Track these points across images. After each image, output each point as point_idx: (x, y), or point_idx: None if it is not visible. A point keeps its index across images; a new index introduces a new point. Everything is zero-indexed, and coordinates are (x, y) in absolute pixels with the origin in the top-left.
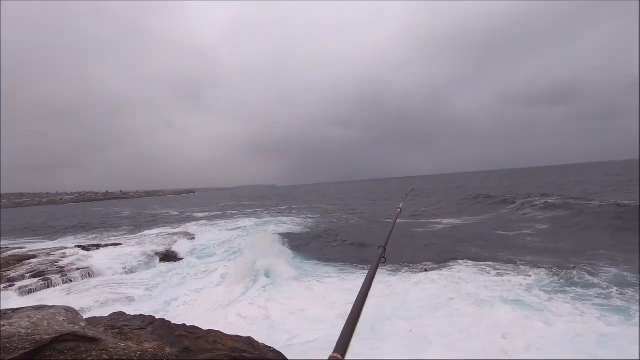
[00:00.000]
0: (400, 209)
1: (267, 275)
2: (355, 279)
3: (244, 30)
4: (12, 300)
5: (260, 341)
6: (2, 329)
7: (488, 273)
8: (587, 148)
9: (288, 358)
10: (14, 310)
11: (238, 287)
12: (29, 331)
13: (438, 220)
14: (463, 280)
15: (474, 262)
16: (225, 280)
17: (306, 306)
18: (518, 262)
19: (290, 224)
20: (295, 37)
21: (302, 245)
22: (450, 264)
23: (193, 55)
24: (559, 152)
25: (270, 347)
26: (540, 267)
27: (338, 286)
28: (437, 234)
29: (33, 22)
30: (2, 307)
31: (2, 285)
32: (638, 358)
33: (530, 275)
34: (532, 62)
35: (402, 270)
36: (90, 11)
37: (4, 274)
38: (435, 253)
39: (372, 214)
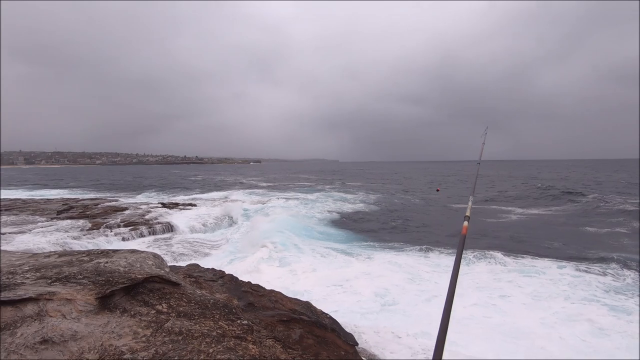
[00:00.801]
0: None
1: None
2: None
3: (317, 3)
4: (111, 243)
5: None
6: (105, 265)
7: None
8: None
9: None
10: (114, 251)
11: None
12: (126, 269)
13: (511, 209)
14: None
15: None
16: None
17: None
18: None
19: (352, 202)
20: (368, 7)
21: (360, 223)
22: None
23: (266, 29)
24: None
25: (327, 314)
26: None
27: (390, 266)
28: (514, 224)
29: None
30: (104, 247)
31: (102, 230)
32: (638, 358)
33: None
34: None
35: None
36: None
37: (103, 220)
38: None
39: (436, 199)
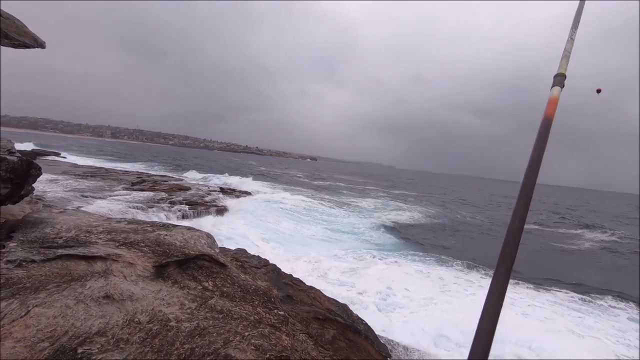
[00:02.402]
0: None
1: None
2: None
3: (386, 5)
4: (170, 219)
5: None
6: (165, 237)
7: None
8: None
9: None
10: (174, 226)
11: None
12: (182, 244)
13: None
14: None
15: None
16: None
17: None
18: None
19: (409, 213)
20: (441, 11)
21: (413, 234)
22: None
23: (335, 29)
24: None
25: (363, 320)
26: None
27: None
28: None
29: None
30: (167, 222)
31: (166, 205)
32: (638, 358)
33: None
34: None
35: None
36: None
37: (169, 197)
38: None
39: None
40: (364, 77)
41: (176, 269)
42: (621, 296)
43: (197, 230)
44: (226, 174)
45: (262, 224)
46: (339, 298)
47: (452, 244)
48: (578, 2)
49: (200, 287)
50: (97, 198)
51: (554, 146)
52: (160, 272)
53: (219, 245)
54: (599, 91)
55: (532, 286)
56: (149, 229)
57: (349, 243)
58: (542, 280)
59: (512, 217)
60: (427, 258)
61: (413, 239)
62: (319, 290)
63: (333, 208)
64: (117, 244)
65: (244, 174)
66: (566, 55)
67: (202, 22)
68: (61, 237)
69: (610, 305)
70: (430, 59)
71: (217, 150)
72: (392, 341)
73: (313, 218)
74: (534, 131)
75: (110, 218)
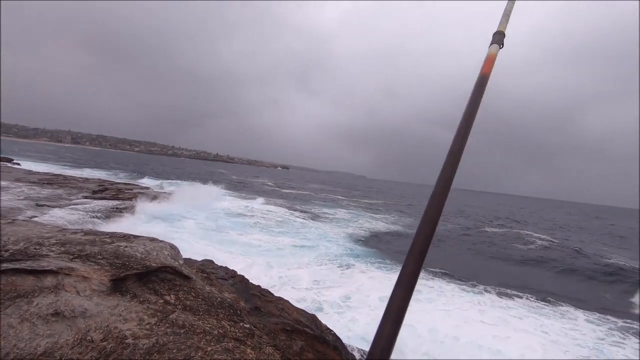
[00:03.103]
0: None
1: None
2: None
3: (360, 19)
4: (135, 228)
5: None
6: (125, 249)
7: None
8: None
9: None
10: (135, 237)
11: None
12: (143, 256)
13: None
14: None
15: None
16: None
17: None
18: None
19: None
20: (412, 28)
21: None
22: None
23: (309, 40)
24: None
25: (332, 330)
26: None
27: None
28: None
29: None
30: (128, 232)
31: (129, 214)
32: (638, 358)
33: None
34: None
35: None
36: None
37: (133, 206)
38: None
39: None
40: (338, 87)
41: (136, 282)
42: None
43: (161, 241)
44: (198, 182)
45: (228, 234)
46: (308, 308)
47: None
48: None
49: (161, 301)
50: (53, 207)
51: (518, 158)
52: (118, 286)
53: (185, 256)
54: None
55: (459, 286)
56: (107, 240)
57: (319, 252)
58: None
59: (425, 214)
60: (395, 265)
61: (381, 247)
62: (287, 301)
63: (304, 218)
64: (71, 257)
65: (213, 182)
66: (506, 15)
67: (172, 27)
68: (7, 250)
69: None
70: (403, 72)
71: (186, 158)
72: (360, 349)
73: (283, 227)
74: (503, 142)
75: (66, 229)
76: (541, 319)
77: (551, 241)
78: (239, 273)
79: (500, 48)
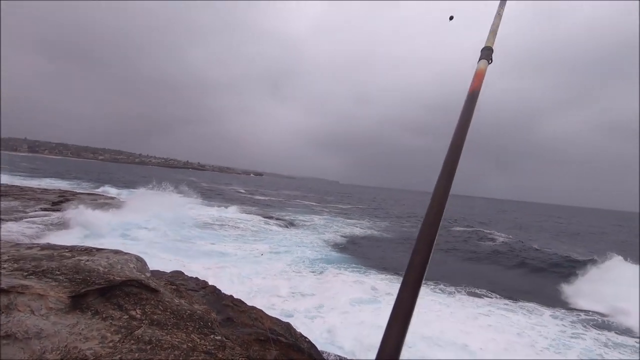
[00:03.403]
0: None
1: None
2: None
3: (331, 25)
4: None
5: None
6: (86, 263)
7: None
8: None
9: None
10: (98, 250)
11: None
12: (106, 270)
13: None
14: None
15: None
16: None
17: None
18: None
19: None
20: (381, 37)
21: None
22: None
23: (280, 47)
24: None
25: (306, 338)
26: None
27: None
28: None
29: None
30: (90, 245)
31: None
32: (638, 358)
33: None
34: None
35: None
36: None
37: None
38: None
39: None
40: (310, 94)
41: (98, 298)
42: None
43: (126, 253)
44: (166, 190)
45: (198, 243)
46: (283, 315)
47: (387, 255)
48: None
49: (126, 317)
50: (7, 221)
51: (485, 162)
52: (78, 303)
53: (154, 269)
54: (451, 18)
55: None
56: (67, 254)
57: (293, 259)
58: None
59: (425, 218)
60: (369, 269)
61: (356, 252)
62: (261, 310)
63: (277, 225)
64: (26, 274)
65: (182, 190)
66: (494, 30)
67: (138, 33)
68: None
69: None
70: (374, 79)
71: (154, 166)
72: (336, 355)
73: (256, 235)
74: (472, 147)
75: (20, 244)
76: (508, 315)
77: (513, 240)
78: (210, 283)
79: (489, 63)
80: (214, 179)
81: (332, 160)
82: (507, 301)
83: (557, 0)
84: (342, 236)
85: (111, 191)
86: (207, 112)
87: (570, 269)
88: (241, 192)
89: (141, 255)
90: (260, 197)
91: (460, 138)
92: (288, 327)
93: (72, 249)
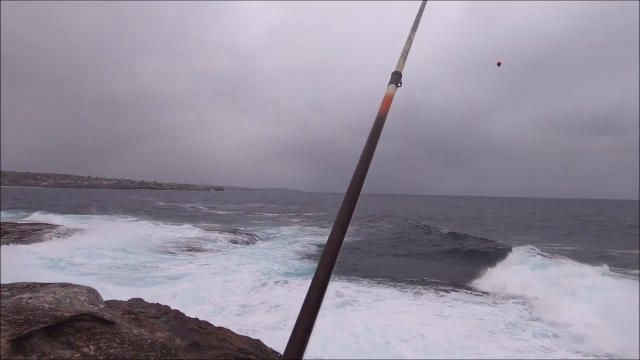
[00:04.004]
0: None
1: None
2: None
3: (284, 35)
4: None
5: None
6: (28, 302)
7: None
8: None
9: None
10: (42, 285)
11: None
12: (52, 306)
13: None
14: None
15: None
16: None
17: None
18: None
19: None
20: (335, 46)
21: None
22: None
23: (233, 57)
24: (597, 185)
25: (278, 353)
26: None
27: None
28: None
29: (84, 15)
30: (33, 281)
31: (36, 258)
32: (638, 358)
33: None
34: (581, 88)
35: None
36: (138, 9)
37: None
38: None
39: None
40: (268, 104)
41: (44, 338)
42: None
43: (75, 285)
44: (117, 214)
45: (161, 265)
46: (251, 332)
47: (355, 259)
48: (419, 7)
49: (78, 355)
50: None
51: (440, 161)
52: (20, 346)
53: (109, 299)
54: (499, 64)
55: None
56: (5, 293)
57: (261, 274)
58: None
59: (335, 222)
60: (339, 276)
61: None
62: (229, 330)
63: (241, 240)
64: None
65: (136, 212)
66: (404, 55)
67: (77, 48)
68: None
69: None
70: (329, 88)
71: (106, 188)
72: None
73: (220, 252)
74: (426, 148)
75: None
76: (467, 305)
77: (465, 234)
78: (173, 308)
79: (398, 87)
80: (173, 198)
81: (294, 169)
82: (467, 293)
83: (496, 0)
84: (308, 246)
85: (54, 219)
86: (161, 128)
87: (488, 258)
88: (202, 209)
89: (93, 286)
90: (222, 212)
91: (366, 161)
92: (258, 344)
93: (11, 287)
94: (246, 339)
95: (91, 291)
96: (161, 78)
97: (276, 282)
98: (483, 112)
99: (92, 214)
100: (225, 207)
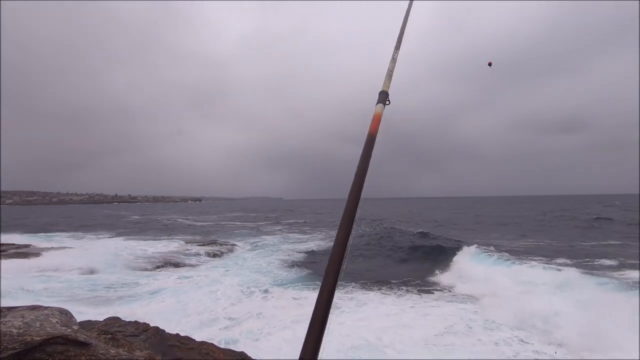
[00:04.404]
0: None
1: None
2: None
3: (257, 44)
4: (12, 297)
5: (253, 357)
6: None
7: None
8: (594, 180)
9: None
10: (9, 309)
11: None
12: (21, 331)
13: None
14: None
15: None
16: None
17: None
18: None
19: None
20: (307, 53)
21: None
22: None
23: (206, 66)
24: (565, 181)
25: None
26: None
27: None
28: None
29: (46, 25)
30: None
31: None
32: (638, 358)
33: None
34: (544, 90)
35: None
36: (105, 19)
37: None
38: None
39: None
40: (244, 113)
41: None
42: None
43: (46, 307)
44: (88, 231)
45: (138, 281)
46: (238, 344)
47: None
48: (400, 26)
49: None
50: None
51: (416, 164)
52: None
53: (84, 319)
54: (490, 64)
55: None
56: None
57: (241, 283)
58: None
59: (337, 233)
60: (311, 284)
61: (310, 269)
62: (211, 344)
63: (220, 251)
64: None
65: (107, 227)
66: (389, 74)
67: (38, 58)
68: None
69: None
70: (303, 95)
71: (77, 203)
72: None
73: (201, 264)
74: (401, 157)
75: None
76: (444, 305)
77: (437, 235)
78: (153, 325)
79: (386, 105)
80: (148, 210)
81: (274, 177)
82: (447, 293)
83: (466, 0)
84: (290, 254)
85: (19, 239)
86: (134, 140)
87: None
88: (179, 221)
89: (66, 308)
90: (201, 223)
91: (361, 179)
92: (242, 356)
93: None
94: (230, 352)
95: (63, 312)
96: (132, 89)
97: (259, 292)
98: (455, 115)
99: (60, 231)
100: (204, 217)
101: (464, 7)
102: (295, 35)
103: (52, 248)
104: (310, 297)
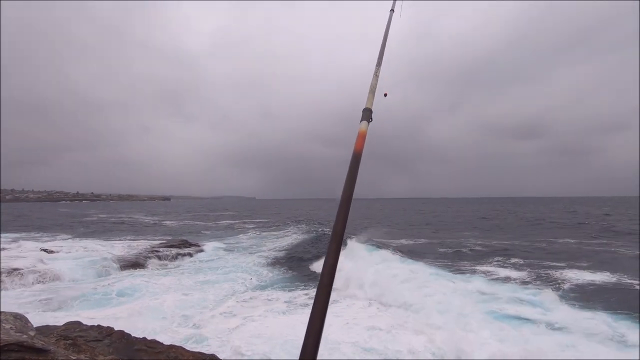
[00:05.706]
0: None
1: None
2: None
3: (229, 42)
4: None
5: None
6: None
7: None
8: (552, 183)
9: None
10: None
11: None
12: None
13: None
14: None
15: None
16: None
17: None
18: None
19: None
20: (279, 52)
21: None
22: None
23: (176, 62)
24: (527, 184)
25: None
26: None
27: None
28: None
29: (10, 13)
30: None
31: None
32: (638, 358)
33: None
34: (504, 98)
35: None
36: (72, 9)
37: None
38: None
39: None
40: (215, 111)
41: None
42: None
43: None
44: (42, 231)
45: (98, 284)
46: (200, 344)
47: (306, 263)
48: (381, 42)
49: None
50: None
51: (389, 165)
52: None
53: (41, 324)
54: (385, 95)
55: None
56: None
57: (218, 285)
58: None
59: (329, 246)
60: (291, 284)
61: (291, 268)
62: (180, 347)
63: (190, 252)
64: None
65: (64, 227)
66: (372, 90)
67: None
68: None
69: None
70: (276, 95)
71: (33, 201)
72: None
73: (170, 264)
74: (376, 153)
75: None
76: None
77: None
78: (117, 329)
79: (370, 122)
80: (113, 209)
81: (248, 176)
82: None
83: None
84: (268, 254)
85: None
86: (99, 135)
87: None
88: (146, 220)
89: (22, 313)
90: (169, 223)
91: (349, 196)
92: (213, 357)
93: None
94: (199, 355)
95: (18, 317)
96: (98, 82)
97: (231, 292)
98: (423, 119)
99: (10, 232)
100: (173, 217)
101: (432, 15)
102: (266, 34)
103: (4, 249)
104: (282, 298)
